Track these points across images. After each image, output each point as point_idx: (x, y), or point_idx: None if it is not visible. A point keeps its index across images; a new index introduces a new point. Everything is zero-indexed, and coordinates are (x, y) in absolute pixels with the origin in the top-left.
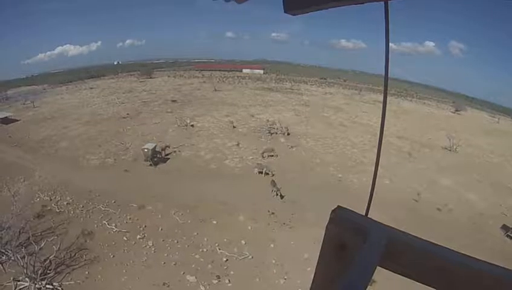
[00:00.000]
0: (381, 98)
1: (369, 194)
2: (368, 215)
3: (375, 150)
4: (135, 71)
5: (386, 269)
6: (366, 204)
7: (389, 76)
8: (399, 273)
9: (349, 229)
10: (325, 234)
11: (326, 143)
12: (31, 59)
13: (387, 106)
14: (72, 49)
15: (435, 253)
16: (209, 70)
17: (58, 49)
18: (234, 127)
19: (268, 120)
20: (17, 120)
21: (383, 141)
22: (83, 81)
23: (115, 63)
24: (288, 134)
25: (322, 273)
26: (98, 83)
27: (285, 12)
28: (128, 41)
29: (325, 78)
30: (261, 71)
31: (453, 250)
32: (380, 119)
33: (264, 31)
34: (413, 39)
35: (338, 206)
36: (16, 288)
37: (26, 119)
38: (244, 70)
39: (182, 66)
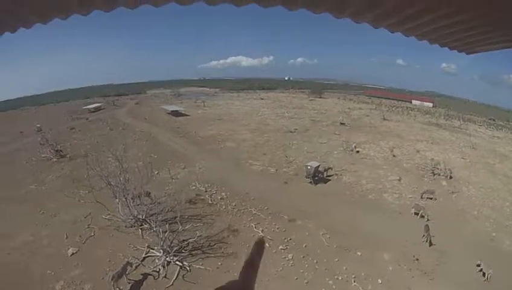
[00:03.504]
0: None
1: None
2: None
3: None
4: (306, 89)
5: None
6: None
7: None
8: None
9: None
10: None
11: (486, 194)
12: (205, 64)
13: None
14: (244, 61)
15: None
16: (379, 97)
17: (231, 59)
18: (398, 160)
19: (433, 159)
20: (187, 115)
21: None
22: (254, 91)
23: (286, 78)
24: (451, 177)
25: None
26: (269, 95)
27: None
28: (299, 59)
29: (493, 119)
30: (430, 104)
31: None
32: None
33: (434, 61)
34: None
35: None
36: (146, 253)
37: (195, 116)
38: (414, 102)
39: (352, 90)
